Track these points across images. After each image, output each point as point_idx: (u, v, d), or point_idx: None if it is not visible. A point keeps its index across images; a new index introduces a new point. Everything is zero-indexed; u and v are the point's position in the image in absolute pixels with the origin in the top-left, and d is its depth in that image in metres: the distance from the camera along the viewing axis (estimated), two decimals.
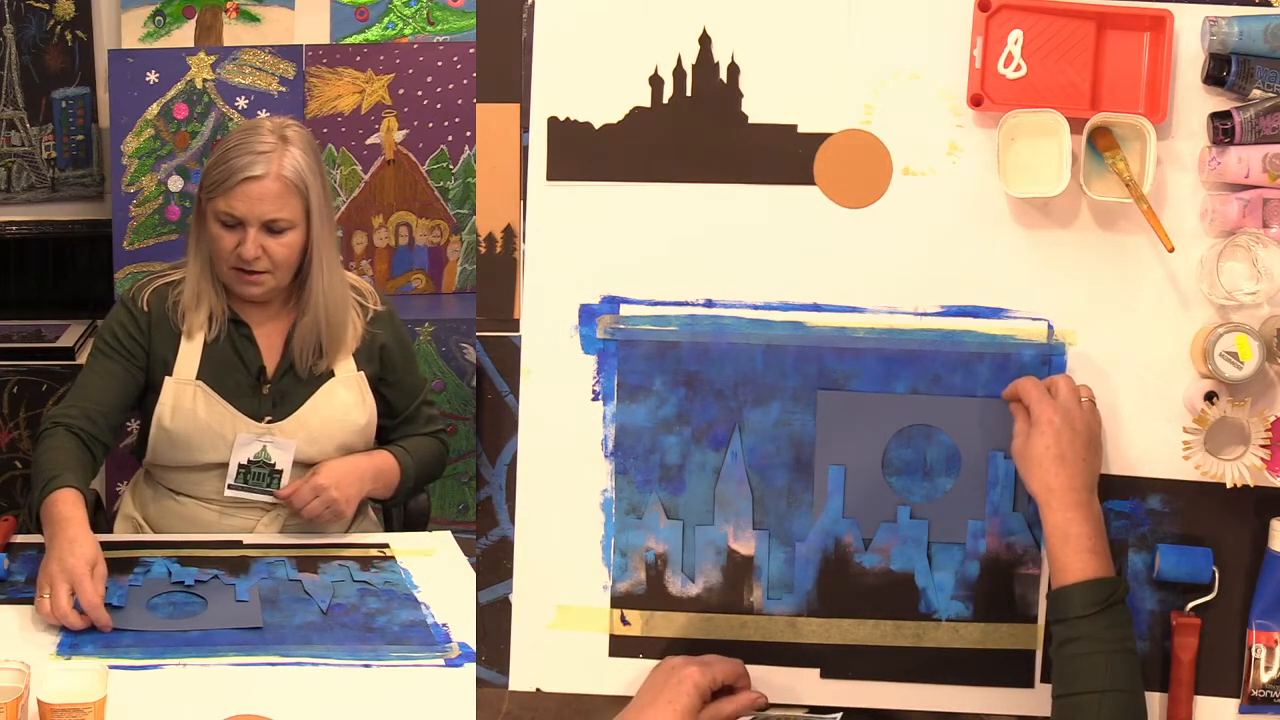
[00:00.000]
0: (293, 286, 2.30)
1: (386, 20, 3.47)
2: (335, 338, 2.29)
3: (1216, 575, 1.60)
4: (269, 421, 2.26)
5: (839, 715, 1.61)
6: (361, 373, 2.33)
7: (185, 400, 2.25)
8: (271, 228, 2.20)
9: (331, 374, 2.31)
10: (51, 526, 1.99)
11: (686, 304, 1.64)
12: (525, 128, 1.64)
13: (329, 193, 2.30)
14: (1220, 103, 1.57)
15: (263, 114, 3.34)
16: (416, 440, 2.41)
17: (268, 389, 2.28)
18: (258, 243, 2.20)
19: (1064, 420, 1.50)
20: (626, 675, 1.65)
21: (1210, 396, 1.55)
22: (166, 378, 2.26)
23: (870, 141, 1.62)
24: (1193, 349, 1.57)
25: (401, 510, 2.56)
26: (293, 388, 2.30)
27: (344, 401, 2.31)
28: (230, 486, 2.25)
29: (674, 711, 1.47)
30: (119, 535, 2.35)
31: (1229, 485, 1.55)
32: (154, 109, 3.33)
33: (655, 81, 1.63)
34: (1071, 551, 1.46)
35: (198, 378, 2.26)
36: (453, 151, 3.41)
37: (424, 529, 2.50)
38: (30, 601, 1.94)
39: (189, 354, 2.27)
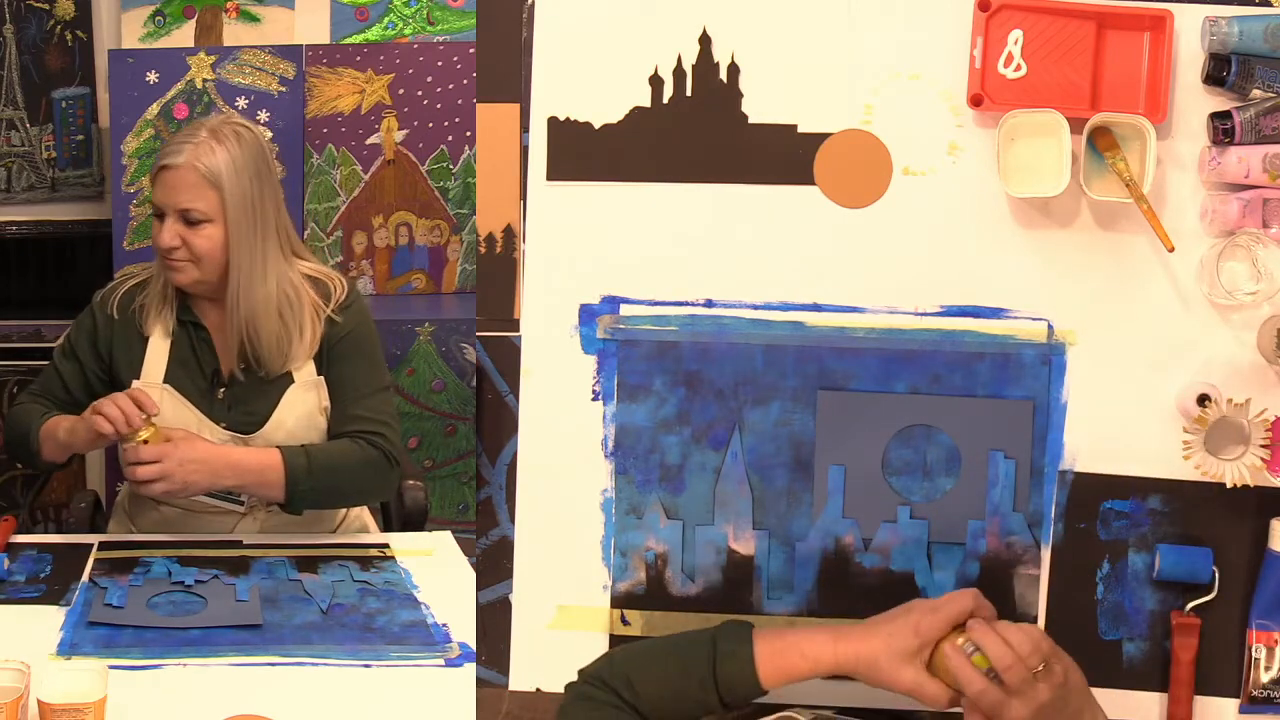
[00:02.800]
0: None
1: (386, 20, 3.47)
2: (261, 344, 2.25)
3: (1216, 575, 1.60)
4: (225, 427, 2.24)
5: None
6: (321, 376, 2.31)
7: None
8: (187, 218, 2.21)
9: (290, 379, 2.29)
10: (72, 419, 2.20)
11: (686, 304, 1.64)
12: (525, 128, 1.64)
13: (265, 195, 2.25)
14: (1220, 103, 1.57)
15: (262, 114, 3.34)
16: (332, 443, 2.29)
17: (222, 393, 2.27)
18: (174, 232, 2.20)
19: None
20: None
21: (1203, 400, 1.56)
22: (134, 381, 2.26)
23: (870, 141, 1.62)
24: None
25: (399, 510, 2.55)
26: (249, 394, 2.27)
27: (305, 408, 2.29)
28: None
29: (885, 647, 1.40)
30: (118, 535, 2.35)
31: (1229, 485, 1.55)
32: (154, 109, 3.33)
33: (655, 81, 1.63)
34: None
35: (165, 380, 2.26)
36: (453, 151, 3.41)
37: (422, 529, 2.49)
38: (30, 601, 1.95)
39: (156, 356, 2.28)
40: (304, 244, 2.41)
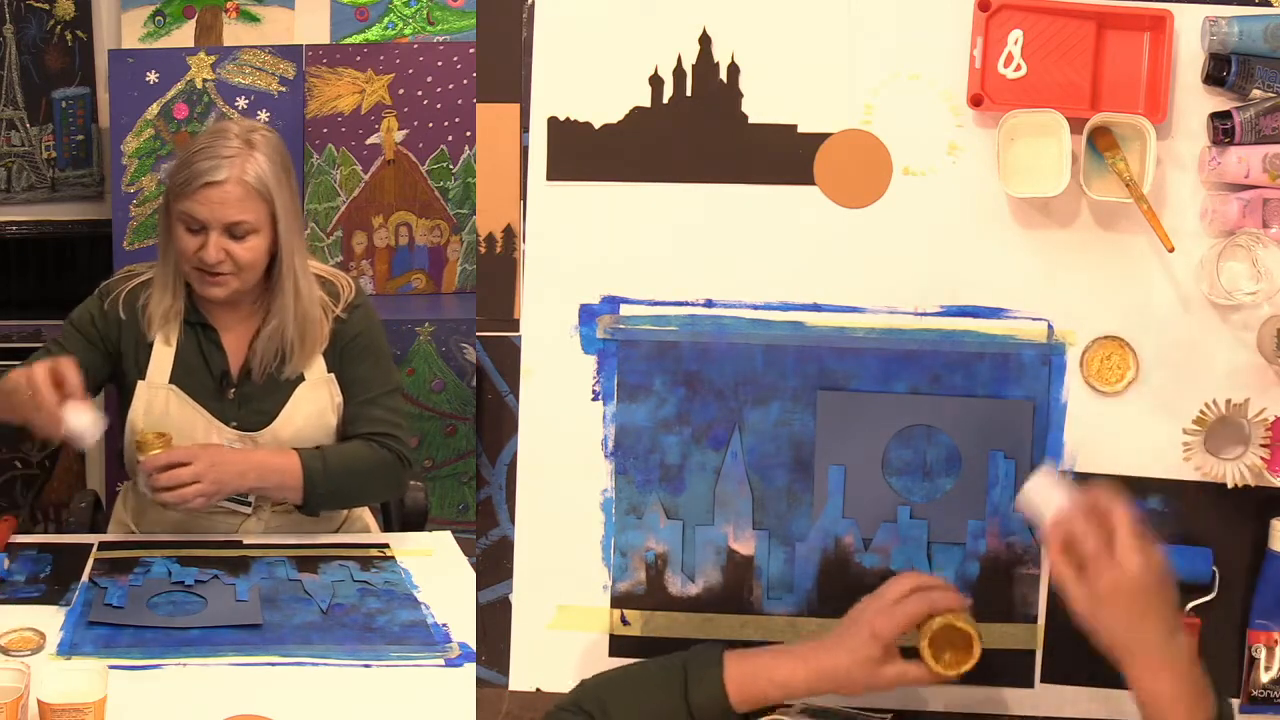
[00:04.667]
0: (259, 289, 2.28)
1: (386, 20, 3.47)
2: (303, 344, 2.26)
3: (1216, 575, 1.60)
4: (234, 426, 2.24)
5: (889, 717, 1.61)
6: (331, 374, 2.31)
7: (157, 404, 2.25)
8: (233, 232, 2.18)
9: (301, 378, 2.29)
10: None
11: (686, 304, 1.64)
12: (525, 128, 1.64)
13: (296, 197, 2.26)
14: (1220, 103, 1.57)
15: (262, 114, 3.34)
16: (345, 444, 2.30)
17: (232, 393, 2.27)
18: (220, 246, 2.18)
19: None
20: None
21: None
22: (140, 381, 2.26)
23: (870, 141, 1.62)
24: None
25: (399, 510, 2.55)
26: (259, 393, 2.28)
27: (316, 406, 2.29)
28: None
29: (855, 660, 1.43)
30: (118, 535, 2.35)
31: (1229, 485, 1.55)
32: (154, 109, 3.33)
33: (655, 81, 1.63)
34: None
35: (170, 382, 2.26)
36: (453, 151, 3.41)
37: (422, 529, 2.49)
38: (30, 601, 1.95)
39: (162, 358, 2.27)
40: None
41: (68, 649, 1.81)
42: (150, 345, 2.27)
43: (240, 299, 2.28)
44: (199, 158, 2.20)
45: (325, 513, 2.32)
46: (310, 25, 3.47)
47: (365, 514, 2.47)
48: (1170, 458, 1.60)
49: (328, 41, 3.45)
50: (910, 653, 1.44)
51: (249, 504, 2.26)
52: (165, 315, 2.27)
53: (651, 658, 1.51)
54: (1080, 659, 1.63)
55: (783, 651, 1.46)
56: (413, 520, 2.52)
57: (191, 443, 2.22)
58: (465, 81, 3.38)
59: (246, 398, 2.27)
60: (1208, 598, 1.60)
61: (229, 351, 2.29)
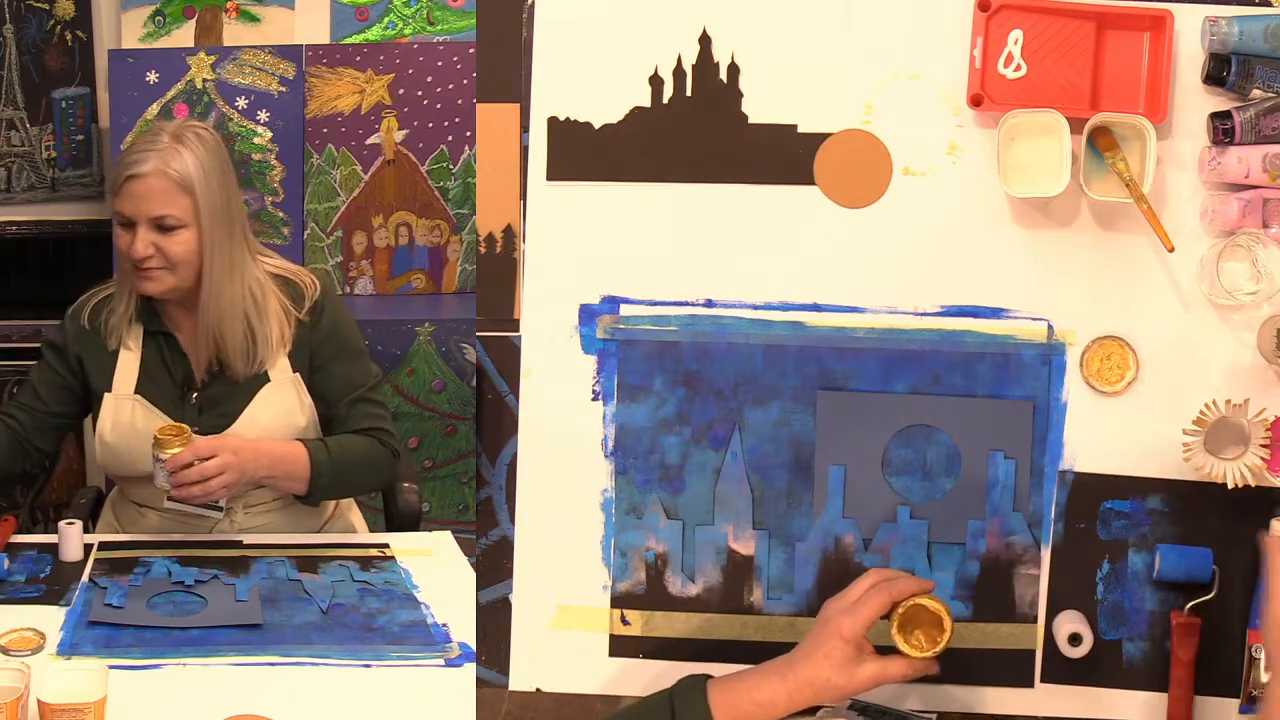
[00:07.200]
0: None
1: (386, 20, 3.47)
2: (228, 348, 2.24)
3: (1216, 575, 1.60)
4: (197, 432, 2.24)
5: (934, 716, 1.61)
6: (298, 373, 2.30)
7: (124, 415, 2.25)
8: (160, 225, 2.19)
9: (266, 378, 2.28)
10: None
11: (686, 304, 1.64)
12: (525, 128, 1.64)
13: (233, 199, 2.24)
14: (1220, 103, 1.57)
15: (262, 114, 3.34)
16: (345, 437, 2.32)
17: (194, 398, 2.27)
18: (148, 241, 2.18)
19: None
20: (626, 675, 1.65)
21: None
22: (106, 393, 2.26)
23: (870, 141, 1.62)
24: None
25: (394, 513, 2.55)
26: (221, 396, 2.27)
27: (282, 407, 2.28)
28: (170, 498, 2.22)
29: (830, 666, 1.43)
30: (117, 535, 2.35)
31: (1229, 485, 1.55)
32: (154, 109, 3.33)
33: (655, 81, 1.63)
34: None
35: (136, 391, 2.26)
36: (453, 151, 3.41)
37: (415, 530, 2.49)
38: (30, 601, 1.95)
39: (126, 368, 2.27)
40: (259, 239, 2.39)
41: (68, 649, 1.81)
42: (114, 355, 2.28)
43: (192, 300, 2.27)
44: (128, 154, 2.22)
45: (302, 509, 2.33)
46: (310, 25, 3.47)
47: (352, 514, 2.48)
48: (1170, 458, 1.60)
49: (328, 41, 3.45)
50: (891, 651, 1.45)
51: (220, 508, 2.25)
52: (120, 321, 2.27)
53: (637, 700, 1.49)
54: (1081, 659, 1.63)
55: (762, 670, 1.47)
56: (407, 524, 2.51)
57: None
58: (465, 81, 3.38)
59: (209, 402, 2.27)
60: (1208, 598, 1.60)
61: (190, 355, 2.29)
